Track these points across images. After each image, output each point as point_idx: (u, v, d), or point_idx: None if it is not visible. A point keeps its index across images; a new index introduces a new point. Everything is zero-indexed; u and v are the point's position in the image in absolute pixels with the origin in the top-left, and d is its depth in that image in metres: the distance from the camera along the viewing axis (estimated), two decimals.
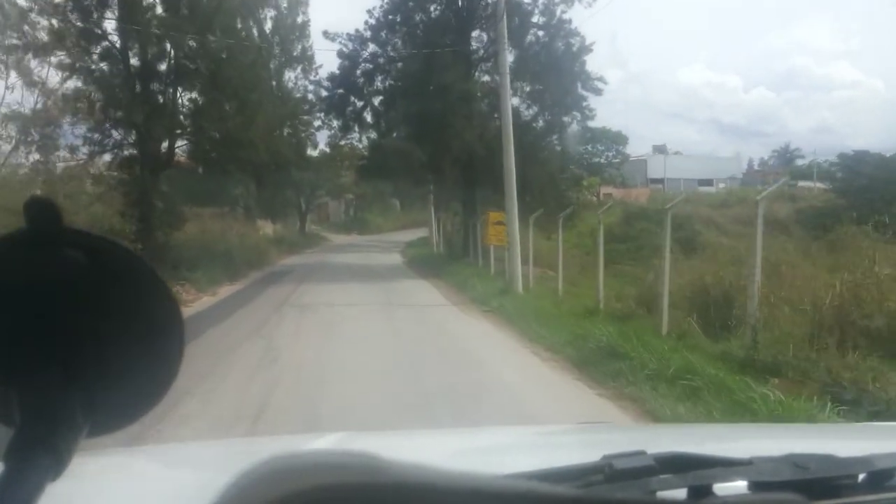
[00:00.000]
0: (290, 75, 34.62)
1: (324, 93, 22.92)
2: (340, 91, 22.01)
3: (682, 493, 0.68)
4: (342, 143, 41.64)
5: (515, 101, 21.70)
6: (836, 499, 0.71)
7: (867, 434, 1.70)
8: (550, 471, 0.73)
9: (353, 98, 22.05)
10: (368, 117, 23.16)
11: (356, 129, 22.78)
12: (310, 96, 31.97)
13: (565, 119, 22.11)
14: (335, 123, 23.55)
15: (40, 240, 0.48)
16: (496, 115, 21.38)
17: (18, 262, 0.49)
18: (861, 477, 0.74)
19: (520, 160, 20.84)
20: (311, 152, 36.17)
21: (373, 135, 25.27)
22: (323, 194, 45.06)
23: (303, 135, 34.82)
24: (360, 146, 43.32)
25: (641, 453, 0.74)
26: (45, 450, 0.47)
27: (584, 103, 22.14)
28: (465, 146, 19.52)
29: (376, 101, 22.44)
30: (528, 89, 21.18)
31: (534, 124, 21.07)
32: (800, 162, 73.72)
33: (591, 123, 22.17)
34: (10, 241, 0.49)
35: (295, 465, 0.31)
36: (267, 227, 37.45)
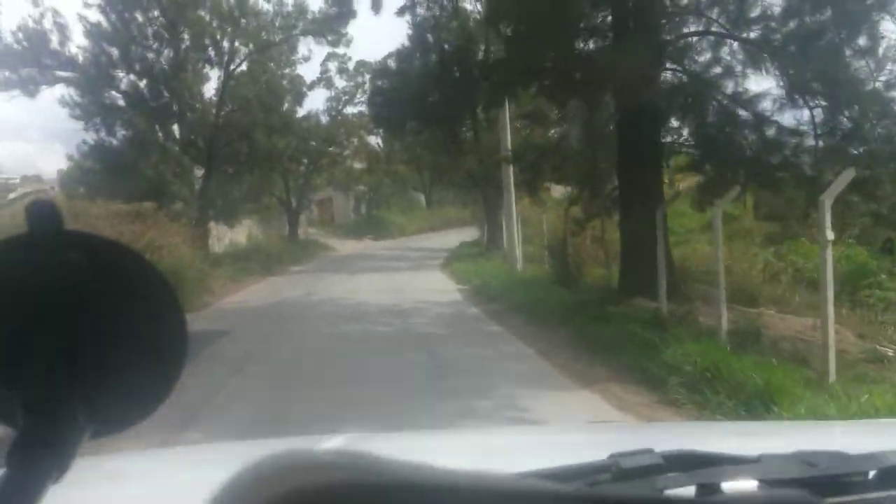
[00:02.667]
0: None
1: None
2: None
3: (690, 491, 0.66)
4: (346, 107, 29.23)
5: None
6: (845, 496, 0.69)
7: (877, 431, 1.66)
8: (557, 469, 0.72)
9: None
10: None
11: None
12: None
13: None
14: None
15: (42, 242, 0.49)
16: None
17: (20, 264, 0.49)
18: (871, 474, 0.72)
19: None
20: (296, 107, 23.56)
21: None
22: (324, 184, 32.49)
23: (284, 81, 22.26)
24: (366, 114, 30.87)
25: (649, 451, 0.73)
26: (47, 452, 0.47)
27: None
28: None
29: None
30: None
31: None
32: None
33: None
34: (11, 244, 0.49)
35: (294, 463, 0.32)
36: (237, 233, 24.95)
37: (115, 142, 18.44)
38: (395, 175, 36.39)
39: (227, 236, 24.13)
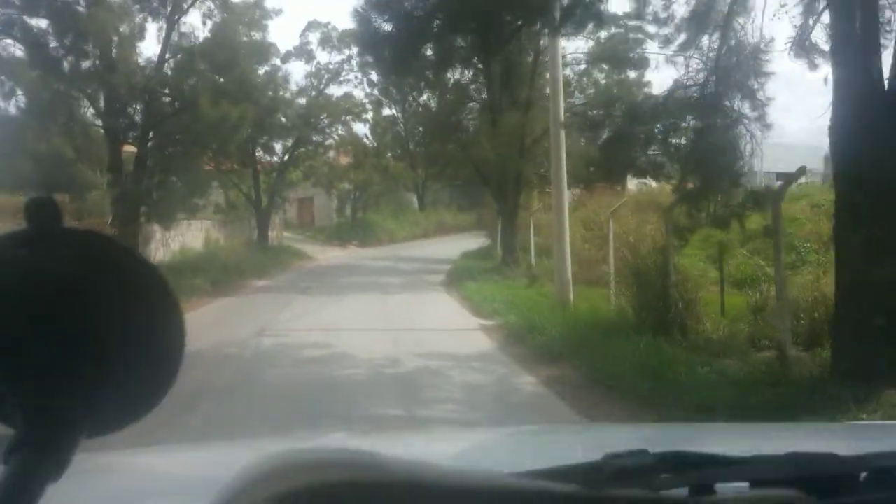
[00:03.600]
0: None
1: None
2: None
3: (683, 492, 0.67)
4: (329, 86, 24.47)
5: None
6: (836, 498, 0.69)
7: (868, 433, 1.68)
8: (552, 469, 0.72)
9: None
10: None
11: None
12: None
13: None
14: None
15: (40, 239, 0.49)
16: None
17: (19, 261, 0.49)
18: (862, 476, 0.72)
19: None
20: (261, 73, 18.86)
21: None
22: (301, 178, 27.68)
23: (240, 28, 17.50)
24: (363, 95, 26.16)
25: (643, 452, 0.73)
26: (45, 451, 0.47)
27: None
28: None
29: None
30: None
31: None
32: None
33: None
34: (10, 241, 0.49)
35: (296, 462, 0.32)
36: (193, 237, 20.19)
37: (11, 109, 13.62)
38: (385, 171, 31.67)
39: (179, 240, 19.37)
